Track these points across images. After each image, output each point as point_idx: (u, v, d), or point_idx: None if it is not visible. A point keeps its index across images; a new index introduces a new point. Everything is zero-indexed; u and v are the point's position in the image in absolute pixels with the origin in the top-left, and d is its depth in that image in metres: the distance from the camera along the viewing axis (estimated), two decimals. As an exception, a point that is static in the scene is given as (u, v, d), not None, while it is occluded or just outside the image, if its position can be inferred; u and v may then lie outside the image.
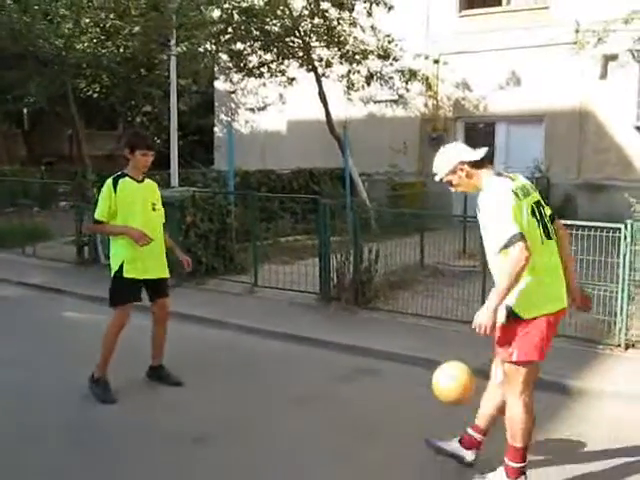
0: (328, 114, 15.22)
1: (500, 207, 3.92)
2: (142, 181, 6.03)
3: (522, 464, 4.11)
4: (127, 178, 5.91)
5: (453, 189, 4.30)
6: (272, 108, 17.90)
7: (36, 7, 18.69)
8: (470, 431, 4.53)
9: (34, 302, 9.53)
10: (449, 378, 4.38)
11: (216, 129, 23.15)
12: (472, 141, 17.83)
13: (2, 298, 9.84)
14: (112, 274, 5.90)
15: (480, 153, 4.19)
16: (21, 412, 5.61)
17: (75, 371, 6.24)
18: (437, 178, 4.27)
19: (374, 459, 4.83)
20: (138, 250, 5.81)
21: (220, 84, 20.50)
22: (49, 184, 15.57)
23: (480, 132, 18.10)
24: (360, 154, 16.89)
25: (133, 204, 5.87)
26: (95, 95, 22.76)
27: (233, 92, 18.88)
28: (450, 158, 4.21)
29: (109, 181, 5.88)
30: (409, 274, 9.99)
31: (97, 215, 5.91)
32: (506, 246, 3.83)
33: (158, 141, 27.42)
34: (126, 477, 4.58)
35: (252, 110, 18.50)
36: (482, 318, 3.94)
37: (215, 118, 23.36)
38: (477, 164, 4.16)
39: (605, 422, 5.43)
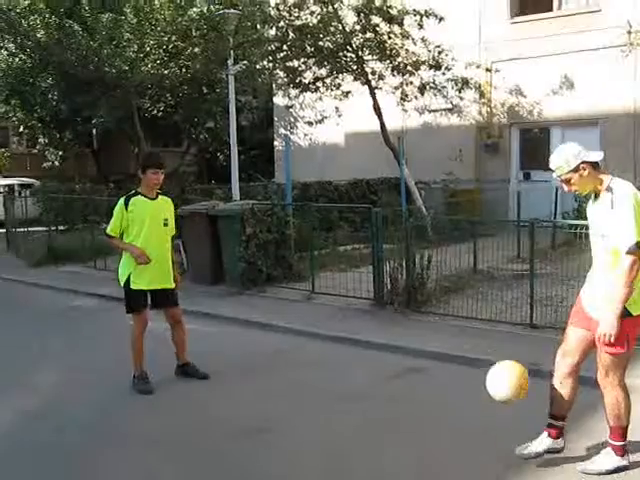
0: (383, 125, 15.56)
1: (632, 210, 4.15)
2: (155, 198, 6.61)
3: (625, 442, 4.50)
4: (139, 196, 6.52)
5: (567, 188, 4.39)
6: (329, 121, 18.27)
7: (103, 33, 19.57)
8: (552, 422, 4.73)
9: (103, 311, 10.16)
10: (504, 378, 4.62)
11: (276, 143, 23.69)
12: (528, 146, 18.10)
13: (74, 307, 10.53)
14: (122, 284, 6.55)
15: (599, 155, 4.36)
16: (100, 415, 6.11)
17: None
18: (555, 175, 4.37)
19: (420, 455, 5.12)
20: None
21: (279, 99, 21.05)
22: (116, 201, 16.21)
23: (535, 137, 18.19)
24: (416, 163, 17.18)
25: (142, 220, 6.47)
26: (159, 114, 23.62)
27: (291, 107, 19.39)
28: (572, 156, 4.30)
29: (121, 200, 6.56)
30: (462, 279, 10.24)
31: (108, 230, 6.63)
32: (629, 251, 4.11)
33: (220, 156, 28.31)
34: (208, 469, 4.97)
35: (310, 123, 18.92)
36: (607, 327, 4.21)
37: (275, 132, 23.92)
38: (596, 166, 4.32)
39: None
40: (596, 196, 4.38)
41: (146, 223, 6.48)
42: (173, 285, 6.69)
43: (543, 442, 4.69)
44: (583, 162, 4.27)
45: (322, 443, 5.33)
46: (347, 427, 5.63)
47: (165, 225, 6.63)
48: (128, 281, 6.49)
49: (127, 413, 6.02)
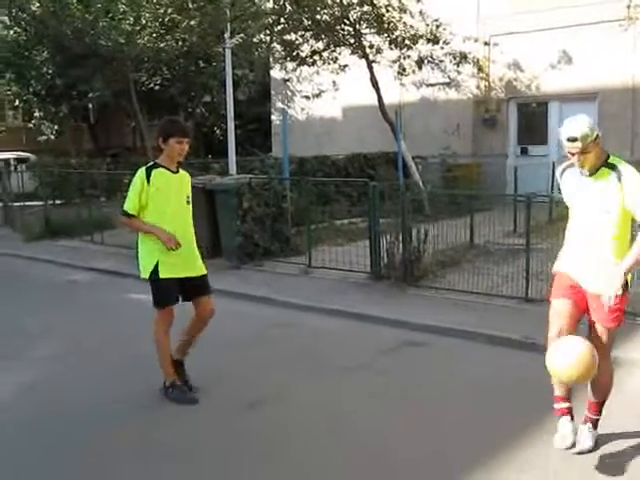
0: (380, 99, 15.52)
1: None
2: (177, 172, 5.69)
3: None
4: (161, 168, 5.56)
5: (580, 160, 4.17)
6: (326, 95, 18.23)
7: (98, 5, 19.42)
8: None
9: (101, 285, 10.21)
10: (567, 356, 4.13)
11: (273, 117, 23.62)
12: (525, 121, 18.08)
13: (72, 282, 10.58)
14: (147, 276, 5.56)
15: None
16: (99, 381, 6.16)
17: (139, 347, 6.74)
18: (577, 145, 4.09)
19: (416, 423, 5.20)
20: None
21: (276, 73, 20.94)
22: (114, 175, 16.23)
23: (533, 112, 18.15)
24: (414, 137, 17.17)
25: (167, 196, 5.54)
26: (156, 88, 23.51)
27: (288, 80, 19.30)
28: (595, 127, 4.16)
29: (142, 171, 5.52)
30: (458, 253, 10.28)
31: (127, 207, 5.51)
32: None
33: (217, 130, 28.23)
34: (197, 440, 5.01)
35: (307, 97, 18.88)
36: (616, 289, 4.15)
37: (272, 106, 23.83)
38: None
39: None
40: (590, 173, 4.25)
41: (172, 200, 5.56)
42: (205, 271, 5.77)
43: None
44: (599, 135, 4.19)
45: (322, 413, 5.39)
46: (347, 397, 5.70)
47: (188, 203, 5.71)
48: (156, 270, 5.48)
49: (123, 388, 6.05)
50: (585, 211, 4.34)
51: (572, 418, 4.48)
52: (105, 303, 9.08)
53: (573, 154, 4.17)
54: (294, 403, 5.62)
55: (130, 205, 5.49)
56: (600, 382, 4.44)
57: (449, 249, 10.14)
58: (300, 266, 10.29)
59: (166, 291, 5.53)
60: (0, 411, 5.61)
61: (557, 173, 4.55)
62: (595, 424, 4.59)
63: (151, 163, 5.65)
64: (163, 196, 5.51)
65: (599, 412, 4.58)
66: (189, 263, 5.63)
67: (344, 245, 10.90)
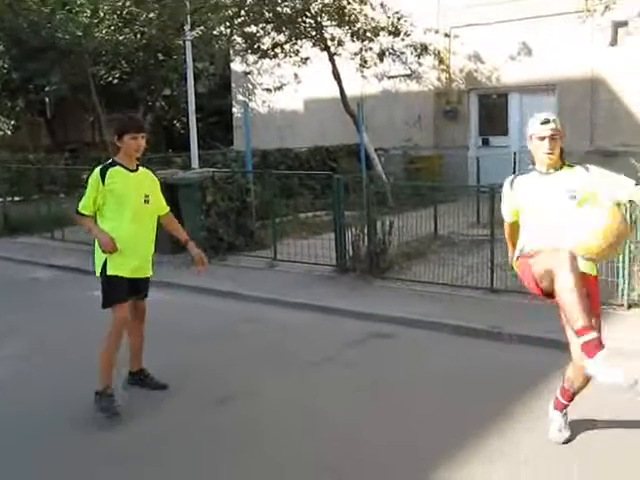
0: (342, 92, 15.50)
1: None
2: (136, 170, 5.47)
3: None
4: (118, 167, 5.36)
5: (549, 146, 4.24)
6: (288, 88, 18.14)
7: (55, -3, 19.11)
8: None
9: (63, 282, 10.05)
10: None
11: (234, 110, 23.46)
12: (486, 112, 18.20)
13: (34, 279, 10.39)
14: (98, 273, 5.36)
15: None
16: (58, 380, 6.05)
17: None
18: (552, 125, 4.24)
19: (385, 415, 5.21)
20: (122, 247, 5.26)
21: (236, 65, 20.79)
22: (73, 171, 15.97)
23: (494, 103, 18.25)
24: (376, 130, 17.18)
25: (124, 196, 5.32)
26: (115, 81, 23.19)
27: (249, 73, 19.20)
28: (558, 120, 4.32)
29: (97, 171, 5.32)
30: (423, 245, 10.33)
31: (80, 207, 5.35)
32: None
33: (178, 124, 27.96)
34: (169, 434, 4.98)
35: (268, 90, 18.78)
36: None
37: (233, 99, 23.67)
38: None
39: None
40: (554, 169, 4.35)
41: (129, 200, 5.33)
42: (151, 273, 5.66)
43: None
44: None
45: (292, 408, 5.37)
46: (316, 391, 5.70)
47: (146, 202, 5.44)
48: (104, 267, 5.29)
49: (89, 387, 5.94)
50: (551, 204, 4.28)
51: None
52: (67, 301, 8.93)
53: (544, 138, 4.24)
54: (264, 398, 5.59)
55: (83, 205, 5.33)
56: (579, 367, 4.36)
57: (414, 241, 10.18)
58: (265, 260, 10.24)
59: (115, 287, 5.30)
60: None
61: (506, 186, 4.49)
62: (566, 411, 4.63)
63: (108, 161, 5.45)
64: (119, 196, 5.30)
65: (572, 400, 4.60)
66: (142, 265, 5.47)
67: (309, 238, 10.87)
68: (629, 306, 7.29)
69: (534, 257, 4.23)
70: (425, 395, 5.52)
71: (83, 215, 5.36)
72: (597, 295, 4.37)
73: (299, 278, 9.39)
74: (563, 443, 4.52)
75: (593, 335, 3.76)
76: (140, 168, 5.53)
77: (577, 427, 4.65)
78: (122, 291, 5.33)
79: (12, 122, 26.99)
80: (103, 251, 5.22)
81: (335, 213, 9.59)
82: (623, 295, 7.32)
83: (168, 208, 5.82)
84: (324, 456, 4.57)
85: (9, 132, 27.10)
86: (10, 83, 23.92)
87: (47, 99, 26.09)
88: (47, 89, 22.74)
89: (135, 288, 5.47)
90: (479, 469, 4.31)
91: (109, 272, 5.27)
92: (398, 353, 6.64)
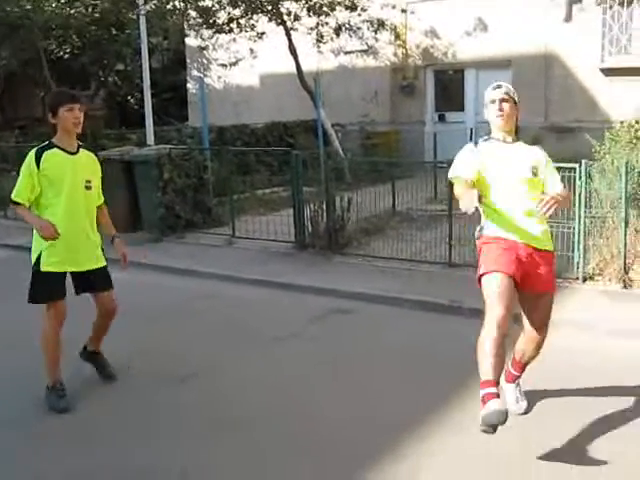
0: (299, 67, 15.39)
1: None
2: (76, 152, 5.00)
3: None
4: (55, 149, 4.90)
5: (500, 109, 4.34)
6: (244, 63, 17.98)
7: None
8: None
9: (16, 263, 9.82)
10: None
11: (189, 85, 23.18)
12: (442, 88, 18.26)
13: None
14: (33, 263, 4.98)
15: None
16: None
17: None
18: (503, 90, 4.38)
19: (347, 390, 5.24)
20: (59, 239, 4.81)
21: (191, 40, 20.49)
22: (23, 148, 15.63)
23: (450, 79, 18.33)
24: (333, 105, 17.11)
25: (60, 181, 4.87)
26: (66, 56, 22.72)
27: (204, 48, 18.88)
28: (515, 93, 4.43)
29: (31, 153, 4.86)
30: (381, 220, 10.36)
31: (14, 195, 4.86)
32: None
33: (132, 99, 27.54)
34: (129, 416, 4.94)
35: (224, 66, 18.57)
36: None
37: (188, 74, 23.37)
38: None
39: (560, 348, 5.86)
40: (512, 139, 4.44)
41: (66, 185, 4.87)
42: (103, 263, 5.19)
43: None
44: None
45: (254, 384, 5.37)
46: (278, 367, 5.70)
47: (87, 189, 5.02)
48: (38, 262, 4.91)
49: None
50: (516, 174, 4.32)
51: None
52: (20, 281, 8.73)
53: (494, 100, 4.35)
54: (225, 375, 5.58)
55: (16, 192, 4.85)
56: (538, 343, 4.50)
57: (372, 216, 10.20)
58: (223, 237, 10.19)
59: (44, 284, 4.92)
60: None
61: (468, 147, 4.42)
62: (518, 382, 4.71)
63: (45, 143, 4.96)
64: (56, 180, 4.85)
65: (523, 371, 4.67)
66: (82, 256, 5.02)
67: (267, 215, 10.83)
68: (584, 279, 7.42)
69: (486, 254, 4.33)
70: (386, 370, 5.56)
71: (17, 204, 4.87)
72: (553, 272, 4.43)
73: (258, 255, 9.36)
74: (521, 414, 4.59)
75: (492, 390, 3.83)
76: (81, 150, 5.07)
77: (532, 398, 4.73)
78: (54, 288, 4.93)
79: (-41, 99, 26.29)
80: (43, 238, 4.75)
81: (294, 189, 9.56)
82: (578, 268, 7.45)
83: (103, 199, 5.36)
84: (286, 432, 4.58)
85: (-45, 109, 26.40)
86: (-44, 58, 23.29)
87: (-5, 74, 25.45)
88: (-4, 64, 22.21)
89: (86, 282, 5.12)
90: (440, 442, 4.36)
91: (42, 267, 4.90)
92: (359, 328, 6.67)
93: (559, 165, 7.35)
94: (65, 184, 4.89)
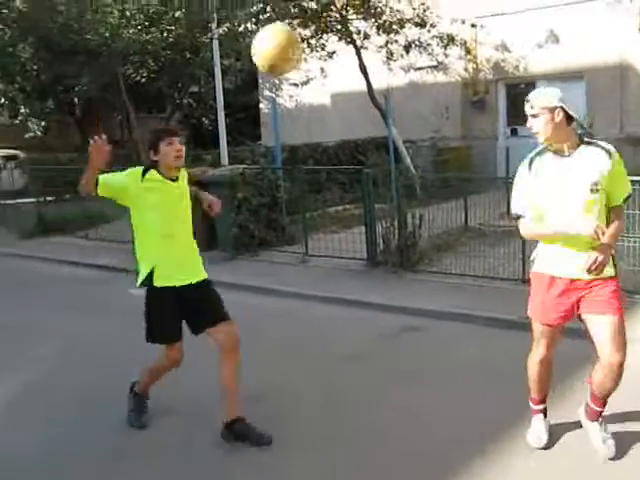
0: (369, 85, 15.53)
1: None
2: (176, 179, 4.85)
3: None
4: (156, 173, 4.78)
5: (536, 132, 4.09)
6: (315, 82, 18.21)
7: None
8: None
9: (101, 282, 10.18)
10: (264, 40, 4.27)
11: (261, 105, 23.58)
12: (514, 102, 18.09)
13: (74, 278, 10.55)
14: (139, 284, 4.86)
15: (575, 113, 4.11)
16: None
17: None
18: (528, 107, 4.10)
19: (419, 406, 5.27)
20: (165, 263, 4.76)
21: (263, 61, 20.83)
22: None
23: (522, 93, 18.06)
24: (404, 122, 17.16)
25: (161, 205, 4.74)
26: (143, 80, 23.41)
27: (275, 69, 19.23)
28: (556, 97, 4.04)
29: (139, 167, 4.84)
30: (453, 236, 10.36)
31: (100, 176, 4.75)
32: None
33: (206, 121, 28.15)
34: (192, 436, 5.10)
35: (295, 85, 18.84)
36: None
37: (260, 94, 23.78)
38: (570, 120, 4.10)
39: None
40: (558, 152, 4.12)
41: (169, 211, 4.75)
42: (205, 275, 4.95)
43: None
44: (561, 107, 4.03)
45: (327, 403, 5.43)
46: (348, 386, 5.75)
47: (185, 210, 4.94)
48: (150, 277, 4.73)
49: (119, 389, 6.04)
50: (567, 198, 4.08)
51: (545, 416, 4.61)
52: (106, 300, 9.05)
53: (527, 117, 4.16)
54: (297, 393, 5.65)
55: (104, 177, 4.79)
56: (612, 376, 4.14)
57: (444, 233, 10.22)
58: (296, 255, 10.33)
59: (159, 324, 4.85)
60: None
61: (523, 170, 4.22)
62: (602, 419, 4.41)
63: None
64: (158, 203, 4.74)
65: (605, 404, 4.35)
66: (189, 272, 4.88)
67: (339, 232, 10.95)
68: (661, 295, 7.26)
69: (533, 294, 4.34)
70: (459, 386, 5.57)
71: (95, 184, 4.74)
72: (616, 293, 4.13)
73: (330, 272, 9.47)
74: (612, 459, 4.28)
75: (540, 407, 4.60)
76: (180, 179, 4.90)
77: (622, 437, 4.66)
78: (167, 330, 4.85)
79: (42, 123, 27.31)
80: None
81: (365, 207, 9.65)
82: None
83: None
84: (357, 450, 4.63)
85: (39, 133, 27.43)
86: (40, 84, 24.24)
87: (77, 99, 26.38)
88: (77, 89, 23.01)
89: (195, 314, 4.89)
90: (515, 461, 4.36)
91: (156, 282, 4.75)
92: (430, 346, 6.68)
93: (634, 178, 7.31)
94: (168, 208, 4.76)
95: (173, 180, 4.82)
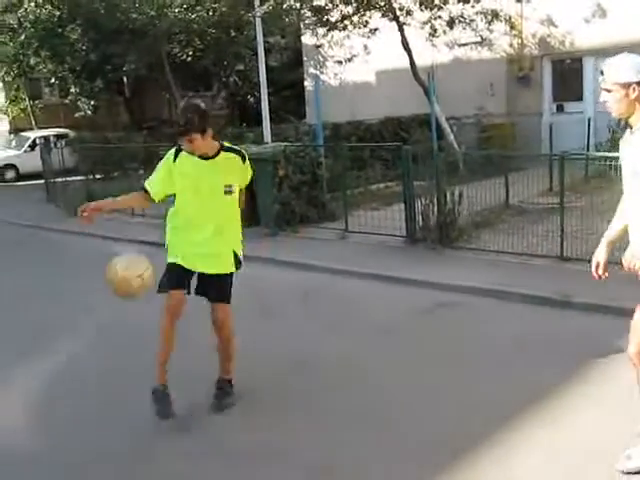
0: (412, 61, 15.48)
1: None
2: (213, 156, 4.77)
3: None
4: (186, 153, 4.75)
5: (604, 100, 3.73)
6: (358, 59, 18.23)
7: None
8: None
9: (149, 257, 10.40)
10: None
11: (306, 83, 23.63)
12: (560, 78, 17.85)
13: (116, 254, 10.77)
14: None
15: None
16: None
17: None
18: (603, 78, 3.68)
19: (454, 382, 5.37)
20: (183, 234, 4.87)
21: (307, 39, 20.93)
22: (151, 147, 16.47)
23: (568, 68, 17.91)
24: (447, 99, 17.07)
25: (190, 187, 4.76)
26: (188, 59, 23.66)
27: (319, 46, 19.26)
28: (633, 69, 3.60)
29: (172, 150, 4.83)
30: (493, 214, 10.34)
31: (146, 183, 4.90)
32: None
33: (251, 98, 28.34)
34: (254, 396, 5.22)
35: (339, 62, 18.88)
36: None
37: (305, 72, 23.85)
38: None
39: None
40: (631, 128, 3.73)
41: (198, 191, 4.74)
42: (223, 271, 4.91)
43: None
44: (637, 83, 3.59)
45: (357, 376, 5.55)
46: (382, 360, 5.86)
47: (227, 193, 4.79)
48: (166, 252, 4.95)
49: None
50: (625, 177, 3.76)
51: None
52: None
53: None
54: (332, 366, 5.78)
55: (149, 181, 4.90)
56: None
57: (484, 210, 10.20)
58: (336, 231, 10.44)
59: (166, 274, 4.87)
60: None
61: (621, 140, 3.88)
62: None
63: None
64: (187, 185, 4.77)
65: None
66: (208, 259, 4.86)
67: (380, 209, 11.03)
68: None
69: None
70: (493, 361, 5.64)
71: (146, 192, 4.87)
72: None
73: (370, 249, 9.57)
74: None
75: None
76: (222, 152, 4.82)
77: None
78: (171, 278, 4.82)
79: (92, 102, 27.80)
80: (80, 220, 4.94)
81: (404, 184, 9.71)
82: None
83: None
84: (389, 425, 4.74)
85: (89, 112, 27.92)
86: (89, 64, 24.67)
87: (125, 79, 26.78)
88: (124, 69, 23.38)
89: (206, 286, 4.95)
90: (530, 435, 4.42)
91: (168, 259, 4.92)
92: (465, 322, 6.74)
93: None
94: (197, 189, 4.75)
95: (207, 158, 4.75)
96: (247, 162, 4.95)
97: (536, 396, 4.90)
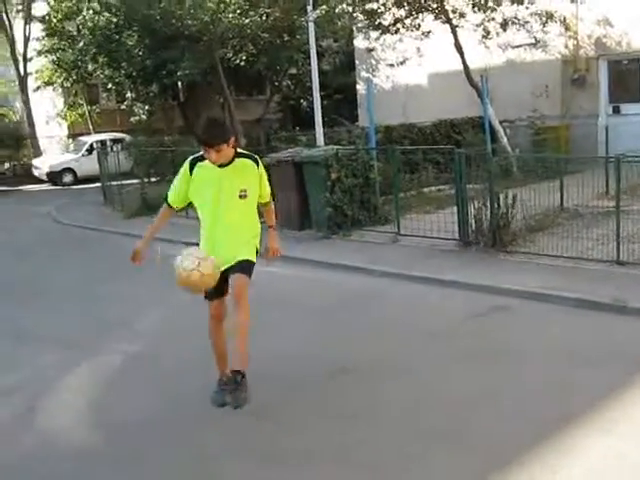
0: (465, 64, 15.39)
1: None
2: (230, 163, 5.00)
3: None
4: (206, 162, 4.98)
5: None
6: (411, 62, 18.13)
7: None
8: None
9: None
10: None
11: (358, 86, 23.66)
12: (617, 79, 17.54)
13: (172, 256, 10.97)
14: None
15: None
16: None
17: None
18: None
19: (504, 384, 5.35)
20: (208, 240, 5.11)
21: (359, 42, 20.96)
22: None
23: (625, 69, 17.59)
24: (501, 101, 16.95)
25: (205, 193, 5.02)
26: (242, 63, 23.92)
27: (372, 50, 19.28)
28: None
29: (188, 160, 5.08)
30: (548, 217, 10.22)
31: (168, 196, 5.22)
32: None
33: (304, 102, 28.51)
34: (295, 397, 5.33)
35: (391, 65, 18.84)
36: None
37: (357, 75, 23.88)
38: None
39: None
40: None
41: (210, 197, 5.00)
42: (245, 257, 5.06)
43: None
44: None
45: (412, 379, 5.57)
46: (434, 363, 5.87)
47: (242, 197, 5.00)
48: None
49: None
50: None
51: None
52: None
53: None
54: (384, 369, 5.80)
55: (170, 193, 5.21)
56: None
57: (538, 213, 10.09)
58: (389, 235, 10.46)
59: None
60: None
61: None
62: None
63: (199, 154, 5.07)
64: (202, 191, 5.03)
65: None
66: (225, 260, 5.01)
67: (432, 212, 11.00)
68: None
69: None
70: (546, 366, 5.60)
71: (168, 205, 5.22)
72: None
73: (422, 252, 9.56)
74: None
75: None
76: (237, 159, 5.04)
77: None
78: (211, 291, 5.05)
79: (147, 107, 28.31)
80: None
81: (457, 187, 9.68)
82: None
83: (268, 199, 5.44)
84: (435, 426, 4.75)
85: (144, 116, 28.43)
86: (145, 70, 25.13)
87: (179, 83, 27.19)
88: (179, 74, 23.75)
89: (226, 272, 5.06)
90: (585, 443, 4.37)
91: None
92: (516, 326, 6.70)
93: None
94: (210, 195, 4.99)
95: (221, 165, 4.96)
96: (260, 166, 5.20)
97: (591, 402, 4.85)
